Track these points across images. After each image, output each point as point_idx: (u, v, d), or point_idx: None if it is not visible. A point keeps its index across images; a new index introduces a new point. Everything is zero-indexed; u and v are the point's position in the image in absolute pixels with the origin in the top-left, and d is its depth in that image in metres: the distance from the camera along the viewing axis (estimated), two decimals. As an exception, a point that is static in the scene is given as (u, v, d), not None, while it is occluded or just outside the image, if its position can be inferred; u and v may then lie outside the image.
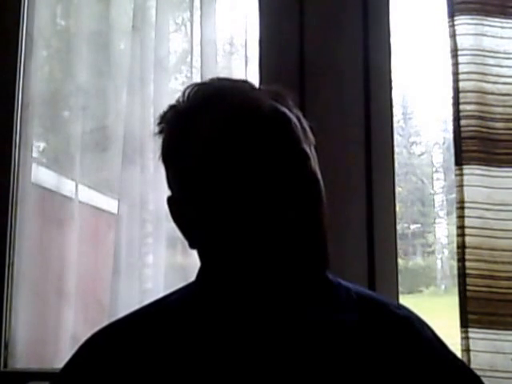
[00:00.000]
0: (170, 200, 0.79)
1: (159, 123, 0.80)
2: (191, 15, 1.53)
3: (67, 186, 1.51)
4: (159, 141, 0.80)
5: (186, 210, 0.76)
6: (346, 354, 0.72)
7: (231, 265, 0.73)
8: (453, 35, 1.32)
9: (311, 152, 0.77)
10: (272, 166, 0.71)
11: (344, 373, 0.71)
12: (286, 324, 0.73)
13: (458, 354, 1.19)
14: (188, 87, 0.80)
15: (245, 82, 0.83)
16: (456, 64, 1.31)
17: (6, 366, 1.42)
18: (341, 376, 0.71)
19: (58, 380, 0.78)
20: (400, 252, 1.48)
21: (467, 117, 1.30)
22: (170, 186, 0.79)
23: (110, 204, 1.56)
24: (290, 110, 0.78)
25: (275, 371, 0.70)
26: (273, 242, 0.70)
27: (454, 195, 1.31)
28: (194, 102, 0.78)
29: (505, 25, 1.33)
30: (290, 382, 0.70)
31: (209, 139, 0.73)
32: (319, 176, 0.76)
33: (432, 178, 2.06)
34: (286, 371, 0.70)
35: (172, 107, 0.80)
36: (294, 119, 0.77)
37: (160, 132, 0.79)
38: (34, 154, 1.56)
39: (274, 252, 0.71)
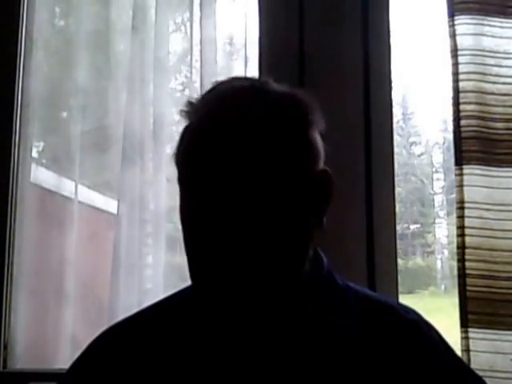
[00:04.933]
0: None
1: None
2: (191, 15, 1.52)
3: (67, 186, 1.51)
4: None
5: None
6: (346, 359, 0.72)
7: (209, 268, 0.73)
8: (453, 35, 1.32)
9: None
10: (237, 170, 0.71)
11: (344, 378, 0.71)
12: (274, 327, 0.73)
13: (458, 354, 1.19)
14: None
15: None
16: (456, 64, 1.31)
17: (5, 366, 1.41)
18: (340, 382, 0.71)
19: (64, 380, 0.79)
20: (400, 252, 1.48)
21: (467, 117, 1.30)
22: None
23: (109, 204, 1.56)
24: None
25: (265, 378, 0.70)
26: (244, 242, 0.70)
27: (453, 195, 1.31)
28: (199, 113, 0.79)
29: (505, 25, 1.33)
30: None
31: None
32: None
33: (432, 178, 2.06)
34: (276, 376, 0.70)
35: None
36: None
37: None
38: (34, 154, 1.56)
39: (241, 254, 0.71)
